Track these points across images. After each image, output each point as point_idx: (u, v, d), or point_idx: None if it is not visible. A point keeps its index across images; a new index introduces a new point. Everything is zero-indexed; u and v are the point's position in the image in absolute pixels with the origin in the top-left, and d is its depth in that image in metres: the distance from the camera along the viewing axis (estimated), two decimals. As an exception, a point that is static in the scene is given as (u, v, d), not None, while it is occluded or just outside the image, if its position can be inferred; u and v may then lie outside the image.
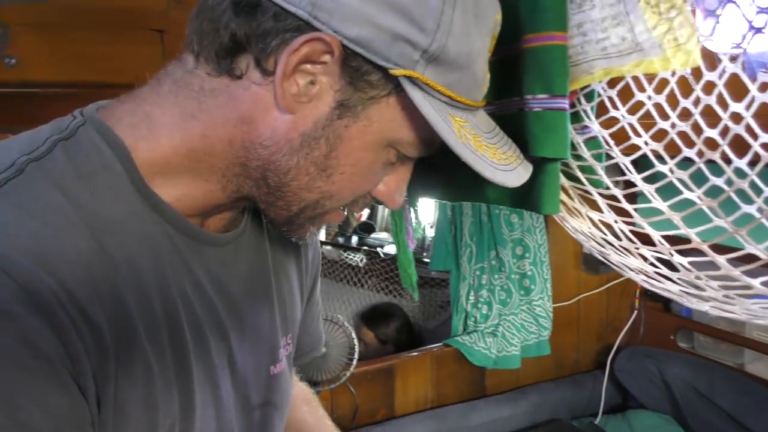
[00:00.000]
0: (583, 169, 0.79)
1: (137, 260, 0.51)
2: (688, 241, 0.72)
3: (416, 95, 0.50)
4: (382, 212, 3.36)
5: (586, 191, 0.79)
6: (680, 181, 0.70)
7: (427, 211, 2.82)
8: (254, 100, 0.50)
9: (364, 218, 3.28)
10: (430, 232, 2.86)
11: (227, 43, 0.49)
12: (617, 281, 2.09)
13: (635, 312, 2.09)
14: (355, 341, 1.62)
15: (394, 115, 0.52)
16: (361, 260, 2.89)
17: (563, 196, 0.81)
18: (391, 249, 2.99)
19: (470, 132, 0.54)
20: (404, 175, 0.60)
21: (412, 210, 1.01)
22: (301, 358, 0.83)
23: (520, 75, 0.71)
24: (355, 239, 3.14)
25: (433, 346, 1.88)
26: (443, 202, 1.93)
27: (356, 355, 1.61)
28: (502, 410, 1.90)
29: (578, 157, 0.79)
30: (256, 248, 0.66)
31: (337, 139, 0.52)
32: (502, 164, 0.56)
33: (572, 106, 0.76)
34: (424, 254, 2.75)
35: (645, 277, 0.78)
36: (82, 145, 0.50)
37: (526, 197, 0.74)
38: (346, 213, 0.62)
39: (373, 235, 3.19)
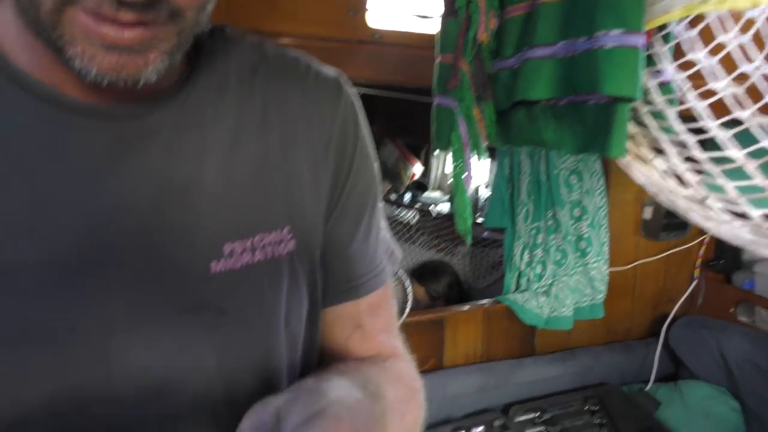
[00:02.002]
0: (653, 114, 0.76)
1: None
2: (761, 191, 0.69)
3: None
4: (436, 171, 3.35)
5: (655, 138, 0.76)
6: (761, 127, 0.67)
7: (482, 171, 2.79)
8: None
9: (417, 177, 3.28)
10: (485, 193, 2.84)
11: None
12: (677, 249, 2.03)
13: (694, 282, 2.04)
14: (409, 289, 1.63)
15: None
16: (413, 217, 2.90)
17: (629, 144, 0.79)
18: (443, 207, 2.99)
19: None
20: None
21: (473, 154, 1.01)
22: (348, 292, 0.66)
23: (592, 11, 0.69)
24: (407, 197, 3.15)
25: (484, 301, 1.89)
26: (502, 161, 1.90)
27: (409, 303, 1.63)
28: (550, 370, 1.90)
29: (648, 102, 0.76)
30: (200, 116, 0.53)
31: None
32: None
33: (646, 48, 0.73)
34: (477, 215, 2.74)
35: (714, 225, 0.75)
36: None
37: (592, 139, 0.72)
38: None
39: (425, 194, 3.19)
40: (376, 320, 0.68)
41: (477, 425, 1.76)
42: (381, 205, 0.69)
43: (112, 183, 0.48)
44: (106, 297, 0.48)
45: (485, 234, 2.68)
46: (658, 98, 0.74)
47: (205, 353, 0.53)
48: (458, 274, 2.66)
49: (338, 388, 0.45)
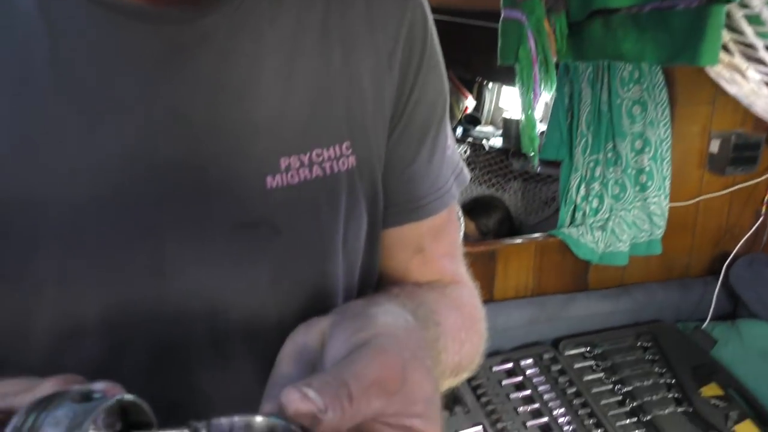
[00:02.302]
0: (749, 19, 0.70)
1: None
2: None
3: None
4: (489, 105, 3.26)
5: (750, 44, 0.70)
6: None
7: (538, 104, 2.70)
8: None
9: (469, 110, 3.20)
10: (541, 127, 2.75)
11: None
12: (744, 185, 1.94)
13: (760, 219, 1.95)
14: (461, 222, 1.61)
15: None
16: (465, 152, 2.85)
17: (721, 53, 0.73)
18: (495, 142, 2.92)
19: None
20: None
21: (542, 71, 0.96)
22: (410, 213, 0.61)
23: None
24: (459, 131, 3.08)
25: (537, 235, 1.86)
26: (562, 89, 1.83)
27: (461, 234, 1.61)
28: (603, 305, 1.87)
29: (744, 5, 0.69)
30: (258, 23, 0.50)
31: None
32: None
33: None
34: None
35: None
36: None
37: (679, 48, 0.67)
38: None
39: (478, 128, 3.12)
40: (438, 244, 0.65)
41: (526, 357, 1.76)
42: (448, 120, 0.64)
43: (165, 90, 0.46)
44: (158, 210, 0.47)
45: (539, 169, 2.62)
46: (756, 0, 0.68)
47: (259, 272, 0.51)
48: (509, 210, 2.63)
49: (387, 313, 0.42)
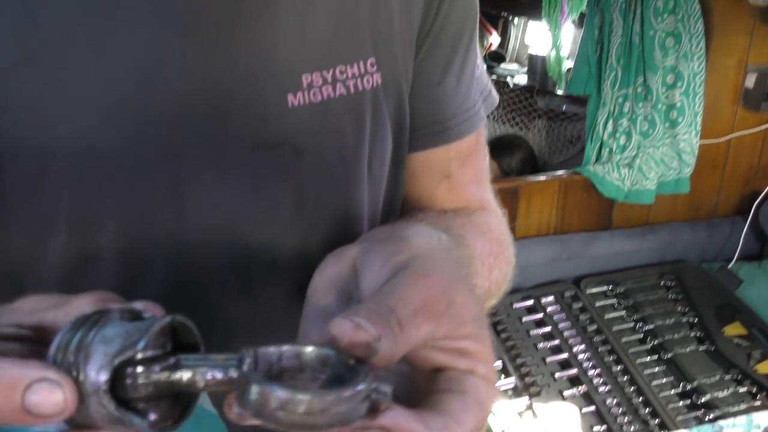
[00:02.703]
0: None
1: None
2: None
3: None
4: (514, 42, 3.16)
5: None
6: None
7: (566, 38, 2.60)
8: None
9: (494, 47, 3.11)
10: (568, 64, 2.67)
11: None
12: (780, 122, 1.87)
13: (794, 158, 1.89)
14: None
15: None
16: (489, 90, 2.78)
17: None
18: (520, 80, 2.85)
19: None
20: None
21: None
22: (436, 136, 0.59)
23: None
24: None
25: (561, 172, 1.82)
26: (591, 20, 1.75)
27: (488, 161, 1.58)
28: (627, 244, 1.85)
29: None
30: None
31: None
32: None
33: None
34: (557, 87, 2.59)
35: None
36: None
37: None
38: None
39: (502, 66, 3.03)
40: (465, 170, 0.62)
41: (547, 295, 1.76)
42: (477, 40, 0.61)
43: (179, 3, 0.44)
44: (175, 128, 0.45)
45: (564, 107, 2.55)
46: None
47: (280, 195, 0.49)
48: (533, 149, 2.58)
49: (420, 234, 0.39)
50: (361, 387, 0.26)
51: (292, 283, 0.51)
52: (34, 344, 0.31)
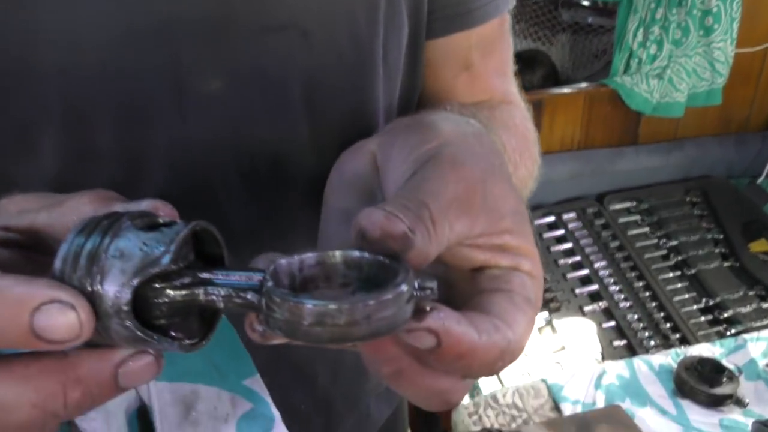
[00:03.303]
0: None
1: None
2: None
3: None
4: (538, -49, 2.99)
5: None
6: None
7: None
8: None
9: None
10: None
11: None
12: (821, 30, 1.76)
13: (834, 68, 1.79)
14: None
15: None
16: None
17: None
18: (544, -9, 2.70)
19: None
20: None
21: None
22: (457, 19, 0.53)
23: None
24: (504, -20, 2.86)
25: (587, 84, 1.75)
26: None
27: (512, 53, 1.52)
28: (653, 160, 1.79)
29: None
30: None
31: None
32: None
33: None
34: (583, -2, 2.46)
35: None
36: None
37: None
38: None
39: (525, -24, 2.88)
40: (488, 60, 0.57)
41: (569, 211, 1.73)
42: None
43: None
44: (171, 12, 0.40)
45: (590, 19, 2.42)
46: None
47: (290, 82, 0.45)
48: (555, 65, 2.47)
49: (447, 120, 0.34)
50: (404, 286, 0.23)
51: (304, 185, 0.48)
52: (26, 250, 0.28)
